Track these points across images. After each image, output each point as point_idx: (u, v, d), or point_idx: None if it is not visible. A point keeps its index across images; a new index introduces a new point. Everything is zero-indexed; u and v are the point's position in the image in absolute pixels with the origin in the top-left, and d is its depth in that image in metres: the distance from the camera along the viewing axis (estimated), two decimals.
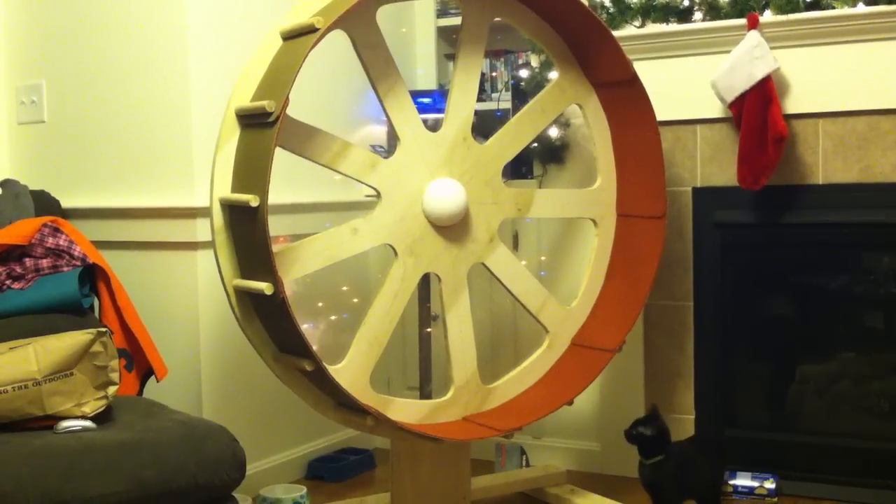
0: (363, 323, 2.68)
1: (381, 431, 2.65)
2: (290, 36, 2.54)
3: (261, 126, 2.43)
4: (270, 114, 2.37)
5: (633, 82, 2.98)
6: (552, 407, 2.89)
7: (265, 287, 2.37)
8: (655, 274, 3.04)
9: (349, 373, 2.62)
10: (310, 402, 2.62)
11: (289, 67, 2.42)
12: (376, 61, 2.66)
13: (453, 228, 2.79)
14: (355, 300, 3.55)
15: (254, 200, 2.35)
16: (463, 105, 2.82)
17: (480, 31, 2.84)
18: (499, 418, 2.86)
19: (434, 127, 2.80)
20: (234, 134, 2.53)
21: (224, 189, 2.51)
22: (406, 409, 2.75)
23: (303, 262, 2.57)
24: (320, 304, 3.46)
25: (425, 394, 3.06)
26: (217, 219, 2.51)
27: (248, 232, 2.45)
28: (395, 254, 2.71)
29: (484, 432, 2.77)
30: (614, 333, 3.02)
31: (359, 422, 2.59)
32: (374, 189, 2.69)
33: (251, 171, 2.45)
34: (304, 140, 2.56)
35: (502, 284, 2.96)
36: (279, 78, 2.46)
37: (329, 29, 2.43)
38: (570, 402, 2.92)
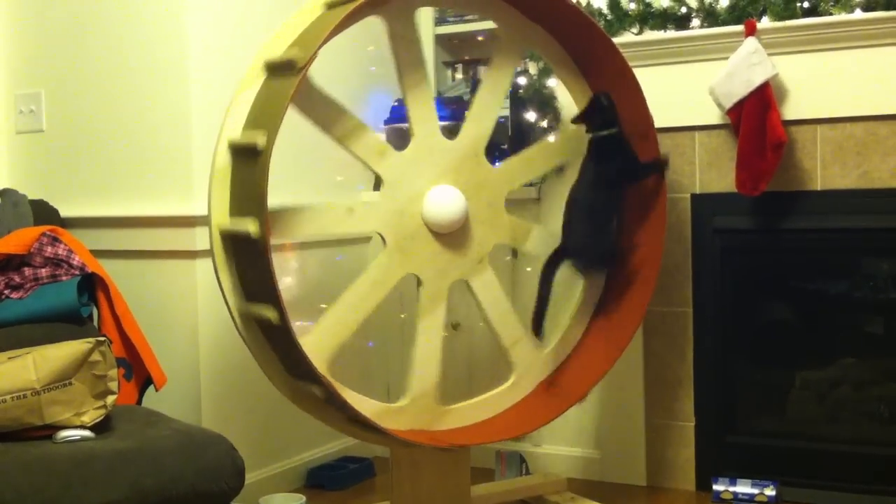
0: (335, 301, 2.63)
1: (332, 418, 2.62)
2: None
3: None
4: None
5: None
6: (508, 435, 2.88)
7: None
8: (638, 325, 3.03)
9: (309, 346, 2.50)
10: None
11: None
12: (409, 55, 2.67)
13: (447, 238, 2.77)
14: None
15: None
16: (481, 121, 2.83)
17: (514, 51, 2.84)
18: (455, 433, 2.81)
19: None
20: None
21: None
22: (358, 405, 2.61)
23: (292, 228, 2.55)
24: (323, 306, 3.44)
25: None
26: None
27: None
28: (384, 243, 2.69)
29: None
30: (582, 381, 2.98)
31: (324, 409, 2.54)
32: (379, 176, 2.68)
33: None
34: (321, 107, 2.53)
35: (480, 308, 2.89)
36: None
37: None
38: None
